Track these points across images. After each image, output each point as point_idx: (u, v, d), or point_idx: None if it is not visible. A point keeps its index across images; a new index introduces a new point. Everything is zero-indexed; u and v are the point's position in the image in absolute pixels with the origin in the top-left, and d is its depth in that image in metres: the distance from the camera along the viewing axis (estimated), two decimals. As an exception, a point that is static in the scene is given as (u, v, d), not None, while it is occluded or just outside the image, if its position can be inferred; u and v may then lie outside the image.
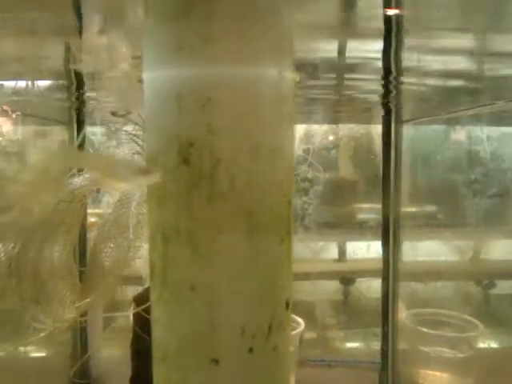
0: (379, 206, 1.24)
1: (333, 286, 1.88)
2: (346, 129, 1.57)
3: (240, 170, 0.43)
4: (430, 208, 1.60)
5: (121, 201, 0.73)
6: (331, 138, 1.65)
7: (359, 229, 1.73)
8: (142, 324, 0.76)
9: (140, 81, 0.49)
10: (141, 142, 0.69)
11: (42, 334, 0.80)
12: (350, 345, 1.66)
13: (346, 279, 1.87)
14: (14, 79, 0.75)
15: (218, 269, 0.45)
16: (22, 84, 0.77)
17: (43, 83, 0.81)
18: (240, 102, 0.43)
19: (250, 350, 0.46)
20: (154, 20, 0.45)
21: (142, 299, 0.78)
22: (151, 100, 0.47)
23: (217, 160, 0.43)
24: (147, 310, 0.75)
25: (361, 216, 1.72)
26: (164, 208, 0.46)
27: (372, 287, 1.69)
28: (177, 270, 0.46)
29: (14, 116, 0.96)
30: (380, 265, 1.34)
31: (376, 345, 1.38)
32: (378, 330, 1.34)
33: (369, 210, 1.66)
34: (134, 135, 0.71)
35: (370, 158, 1.50)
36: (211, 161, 0.43)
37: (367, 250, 1.69)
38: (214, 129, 0.43)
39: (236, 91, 0.43)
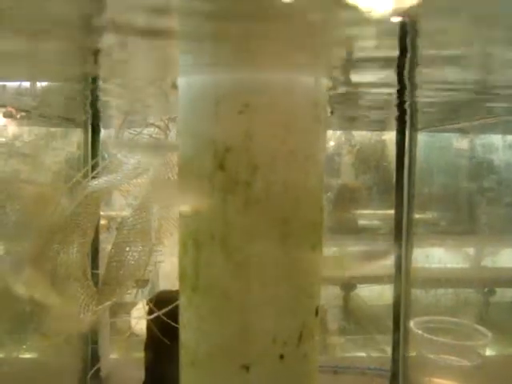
0: (385, 211, 1.22)
1: (333, 292, 1.87)
2: (359, 136, 1.57)
3: (277, 177, 0.43)
4: (441, 215, 1.59)
5: (141, 204, 0.72)
6: (332, 143, 1.64)
7: (371, 235, 1.72)
8: (159, 328, 0.76)
9: (174, 85, 0.49)
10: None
11: (57, 338, 0.80)
12: (352, 351, 1.65)
13: (347, 285, 1.86)
14: (25, 80, 0.73)
15: (252, 276, 0.45)
16: (26, 84, 0.74)
17: (57, 84, 0.80)
18: (278, 108, 0.43)
19: (281, 357, 0.46)
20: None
21: (157, 302, 0.78)
22: (187, 105, 0.47)
23: (254, 166, 0.43)
24: (165, 314, 0.74)
25: (370, 222, 1.71)
26: (197, 213, 0.46)
27: (374, 293, 1.69)
28: (210, 276, 0.46)
29: (18, 117, 0.95)
30: (383, 271, 1.33)
31: (379, 352, 1.37)
32: (380, 337, 1.33)
33: (377, 217, 1.65)
34: (156, 139, 0.71)
35: (383, 164, 1.50)
36: (248, 167, 0.43)
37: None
38: (251, 135, 0.43)
39: (274, 97, 0.43)
